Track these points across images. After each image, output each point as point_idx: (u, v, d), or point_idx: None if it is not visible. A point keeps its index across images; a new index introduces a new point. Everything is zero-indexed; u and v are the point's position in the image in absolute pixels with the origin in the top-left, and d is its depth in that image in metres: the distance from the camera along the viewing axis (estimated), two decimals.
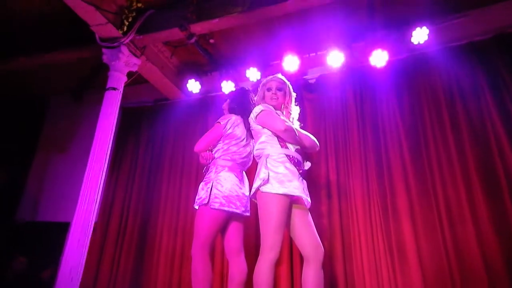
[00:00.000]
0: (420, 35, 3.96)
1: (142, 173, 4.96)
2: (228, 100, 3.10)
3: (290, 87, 2.72)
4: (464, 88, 3.86)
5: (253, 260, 2.27)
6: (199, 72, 4.92)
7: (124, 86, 4.27)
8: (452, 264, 3.32)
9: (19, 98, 5.82)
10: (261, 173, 2.34)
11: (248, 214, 2.80)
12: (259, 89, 2.74)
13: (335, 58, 4.22)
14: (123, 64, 4.18)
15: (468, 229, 3.36)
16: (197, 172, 4.47)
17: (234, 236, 2.76)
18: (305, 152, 2.58)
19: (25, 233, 5.05)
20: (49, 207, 5.21)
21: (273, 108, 2.58)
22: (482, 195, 3.41)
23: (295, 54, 4.33)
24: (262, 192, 2.32)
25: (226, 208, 2.64)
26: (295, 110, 2.73)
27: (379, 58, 4.06)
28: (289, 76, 2.93)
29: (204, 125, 4.70)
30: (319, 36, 4.35)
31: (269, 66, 4.60)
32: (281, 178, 2.31)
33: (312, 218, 2.45)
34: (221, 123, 2.85)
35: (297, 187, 2.32)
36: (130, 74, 4.37)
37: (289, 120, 2.61)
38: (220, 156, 2.82)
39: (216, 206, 2.62)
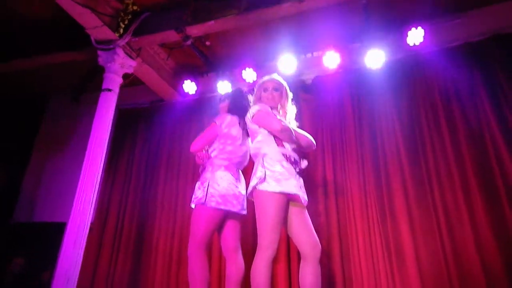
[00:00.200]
0: (415, 36, 3.98)
1: (138, 173, 4.95)
2: (225, 100, 3.09)
3: (287, 87, 2.72)
4: (460, 89, 3.87)
5: (250, 259, 2.27)
6: (195, 73, 4.93)
7: (121, 88, 4.28)
8: (450, 267, 3.31)
9: (17, 98, 5.80)
10: (258, 172, 2.34)
11: (244, 212, 2.80)
12: (255, 90, 2.74)
13: (331, 59, 4.24)
14: (118, 66, 4.19)
15: (466, 231, 3.36)
16: (194, 172, 4.46)
17: (231, 235, 2.76)
18: (302, 151, 2.58)
19: (22, 234, 5.02)
20: (46, 207, 5.19)
21: (269, 108, 2.58)
22: (479, 197, 3.41)
23: (292, 55, 4.34)
24: (259, 190, 2.32)
25: (222, 207, 2.64)
26: (291, 110, 2.74)
27: (375, 59, 4.08)
28: (285, 77, 2.93)
29: (200, 125, 4.67)
30: (316, 37, 4.37)
31: (265, 67, 4.59)
32: (278, 176, 2.31)
33: (310, 216, 2.46)
34: (217, 123, 2.86)
35: (294, 185, 2.33)
36: (126, 76, 4.37)
37: (286, 120, 2.62)
38: (216, 155, 2.82)
39: (213, 205, 2.63)
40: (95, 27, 3.97)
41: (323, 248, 2.41)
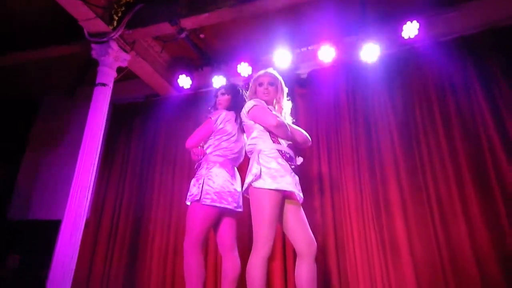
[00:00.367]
0: (410, 29, 3.97)
1: (134, 169, 4.93)
2: (225, 94, 3.02)
3: (282, 82, 2.70)
4: (455, 82, 3.88)
5: (246, 256, 2.27)
6: (190, 67, 4.88)
7: (115, 82, 4.23)
8: (444, 259, 3.35)
9: (9, 94, 5.72)
10: (253, 169, 2.32)
11: (240, 210, 2.79)
12: (250, 84, 2.72)
13: (326, 53, 4.22)
14: (112, 60, 4.13)
15: (459, 224, 3.39)
16: (190, 167, 4.45)
17: (227, 232, 2.75)
18: (297, 147, 2.57)
19: (17, 232, 4.99)
20: (41, 205, 5.16)
21: (265, 103, 2.56)
22: (473, 190, 3.44)
23: (287, 49, 4.31)
24: (254, 187, 2.30)
25: (217, 204, 2.62)
26: (287, 105, 2.71)
27: (370, 52, 4.06)
28: (280, 71, 2.90)
29: (195, 120, 4.64)
30: (311, 30, 4.33)
31: (260, 61, 4.57)
32: (273, 173, 2.30)
33: (305, 213, 2.45)
34: (212, 118, 2.84)
35: (289, 183, 2.32)
36: (120, 70, 4.32)
37: (281, 115, 2.60)
38: (212, 152, 2.80)
39: (208, 202, 2.61)
40: (88, 19, 3.91)
41: (318, 244, 2.41)
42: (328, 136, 4.18)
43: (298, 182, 2.45)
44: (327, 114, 4.27)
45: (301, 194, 2.42)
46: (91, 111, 3.93)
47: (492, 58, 3.80)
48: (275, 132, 2.44)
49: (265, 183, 2.27)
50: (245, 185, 2.38)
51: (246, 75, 4.47)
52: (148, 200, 4.68)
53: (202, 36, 4.50)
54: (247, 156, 2.65)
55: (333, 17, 4.16)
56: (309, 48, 4.44)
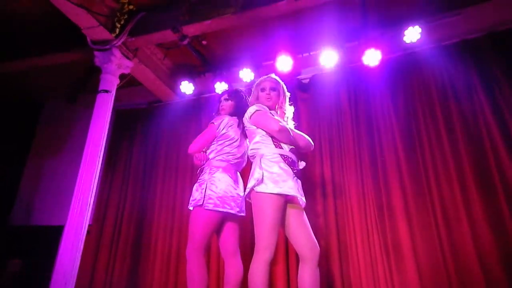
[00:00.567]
0: (412, 34, 3.99)
1: (136, 175, 4.94)
2: (229, 100, 3.02)
3: (284, 87, 2.71)
4: (457, 86, 3.88)
5: (248, 260, 2.26)
6: (192, 73, 4.90)
7: (118, 89, 4.26)
8: (448, 263, 3.33)
9: (12, 100, 5.77)
10: (255, 173, 2.32)
11: (243, 214, 2.79)
12: (253, 90, 2.73)
13: (328, 58, 4.23)
14: (115, 67, 4.17)
15: (463, 227, 3.37)
16: (192, 173, 4.46)
17: (229, 237, 2.75)
18: (299, 152, 2.57)
19: (19, 237, 5.00)
20: (44, 210, 5.18)
21: (267, 108, 2.57)
22: (476, 193, 3.43)
23: (289, 54, 4.33)
24: (256, 192, 2.30)
25: (220, 209, 2.62)
26: (289, 110, 2.72)
27: (372, 57, 4.07)
28: (282, 76, 2.92)
29: (198, 126, 4.69)
30: (312, 36, 4.36)
31: (262, 66, 4.59)
32: (276, 178, 2.30)
33: (308, 218, 2.44)
34: (215, 123, 2.84)
35: (291, 187, 2.31)
36: (122, 77, 4.35)
37: (284, 120, 2.60)
38: (214, 157, 2.80)
39: (211, 207, 2.61)
40: (91, 27, 3.95)
41: (321, 249, 2.41)
42: (330, 140, 4.18)
43: (301, 186, 2.44)
44: (329, 119, 4.27)
45: (304, 199, 2.42)
46: (94, 118, 3.95)
47: (493, 61, 3.81)
48: (278, 137, 2.44)
49: (267, 187, 2.27)
50: (247, 190, 2.38)
51: (248, 81, 4.49)
52: (150, 205, 4.68)
53: (204, 42, 4.53)
54: (249, 160, 2.66)
55: (334, 22, 4.18)
56: (311, 53, 4.45)
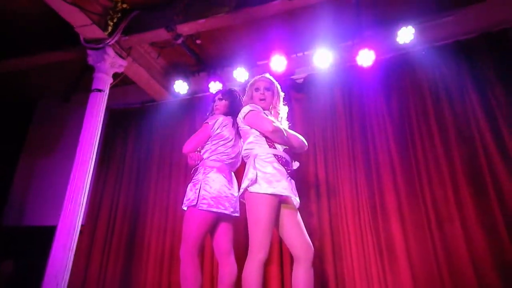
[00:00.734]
0: (405, 34, 4.01)
1: (130, 174, 4.91)
2: (223, 100, 3.02)
3: (278, 87, 2.71)
4: (450, 86, 3.91)
5: (243, 261, 2.25)
6: (186, 72, 4.89)
7: (111, 88, 4.24)
8: (440, 263, 3.35)
9: (4, 99, 5.71)
10: (249, 173, 2.32)
11: (237, 214, 2.78)
12: (247, 89, 2.72)
13: (322, 58, 4.24)
14: (108, 66, 4.14)
15: (455, 227, 3.40)
16: (186, 172, 4.44)
17: (223, 237, 2.74)
18: (293, 152, 2.57)
19: (11, 238, 4.95)
20: (36, 210, 5.13)
21: (261, 108, 2.56)
22: (469, 194, 3.46)
23: (283, 54, 4.33)
24: (250, 192, 2.30)
25: (214, 209, 2.61)
26: (283, 110, 2.72)
27: (366, 57, 4.08)
28: (277, 76, 2.91)
29: (192, 125, 4.67)
30: (306, 35, 4.37)
31: (256, 66, 4.59)
32: (269, 178, 2.30)
33: (302, 218, 2.45)
34: (209, 123, 2.83)
35: (285, 187, 2.31)
36: (116, 76, 4.32)
37: (278, 120, 2.60)
38: (208, 157, 2.79)
39: (205, 207, 2.60)
40: (84, 26, 3.92)
41: (315, 249, 2.41)
42: (324, 140, 4.19)
43: (295, 186, 2.44)
44: (323, 119, 4.28)
45: (298, 199, 2.42)
46: (87, 117, 3.92)
47: (486, 63, 3.84)
48: (271, 137, 2.44)
49: (261, 187, 2.27)
50: (241, 190, 2.37)
51: (243, 80, 4.47)
52: (144, 205, 4.66)
53: (198, 42, 4.51)
54: (243, 161, 2.65)
55: (328, 22, 4.19)
56: (305, 53, 4.47)
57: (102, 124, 4.06)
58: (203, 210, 2.60)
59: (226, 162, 2.80)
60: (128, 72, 4.57)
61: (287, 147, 2.50)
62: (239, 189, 2.54)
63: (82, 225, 3.68)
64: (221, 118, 2.85)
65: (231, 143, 2.82)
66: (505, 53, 3.78)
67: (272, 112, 2.65)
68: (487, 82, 3.76)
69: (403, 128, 3.93)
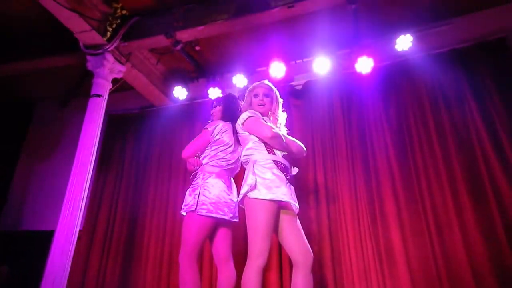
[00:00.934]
0: (404, 42, 4.05)
1: (128, 179, 4.91)
2: (217, 106, 3.06)
3: (277, 93, 2.72)
4: (448, 94, 3.93)
5: (241, 267, 2.25)
6: (185, 78, 4.91)
7: (110, 93, 4.25)
8: (440, 269, 3.36)
9: (3, 103, 5.71)
10: (249, 179, 2.32)
11: (236, 220, 2.78)
12: (246, 96, 2.73)
13: (321, 65, 4.27)
14: (107, 71, 4.15)
15: (455, 234, 3.41)
16: (185, 177, 4.44)
17: (222, 243, 2.73)
18: (292, 158, 2.58)
19: (8, 242, 4.92)
20: (34, 215, 5.11)
21: (260, 115, 2.57)
22: (468, 200, 3.47)
23: (282, 61, 4.35)
24: (249, 198, 2.30)
25: (213, 215, 2.61)
26: (282, 116, 2.73)
27: (364, 65, 4.11)
28: (275, 83, 2.93)
29: (191, 131, 4.68)
30: (305, 42, 4.40)
31: (255, 72, 4.62)
32: (269, 184, 2.30)
33: (301, 223, 2.45)
34: (209, 129, 2.84)
35: (284, 193, 2.31)
36: (115, 81, 4.33)
37: (276, 126, 2.61)
38: (208, 162, 2.80)
39: (204, 212, 2.60)
40: (84, 32, 3.94)
41: (314, 254, 2.40)
42: (323, 146, 4.20)
43: (294, 192, 2.45)
44: (322, 125, 4.30)
45: (297, 205, 2.42)
46: (86, 122, 3.93)
47: (484, 70, 3.87)
48: (270, 143, 2.44)
49: (260, 193, 2.27)
50: (241, 196, 2.37)
51: (242, 87, 4.49)
52: (142, 210, 4.65)
53: (197, 48, 4.54)
54: (243, 167, 2.65)
55: (327, 29, 4.22)
56: (304, 60, 4.49)
57: (101, 129, 4.06)
58: (202, 215, 2.60)
59: (225, 168, 2.81)
60: (127, 77, 4.58)
61: (286, 153, 2.51)
62: (238, 195, 2.54)
63: (80, 230, 3.66)
64: (220, 124, 2.86)
65: (231, 148, 2.83)
66: (502, 61, 3.83)
67: (271, 119, 2.66)
68: (485, 89, 3.79)
69: (402, 135, 3.95)
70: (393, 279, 3.45)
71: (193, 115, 4.87)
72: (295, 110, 4.43)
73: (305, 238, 2.40)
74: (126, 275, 4.37)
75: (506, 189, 3.38)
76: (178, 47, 4.16)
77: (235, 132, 2.74)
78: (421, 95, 4.03)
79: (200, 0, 4.03)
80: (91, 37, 4.00)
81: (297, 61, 4.52)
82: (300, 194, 2.75)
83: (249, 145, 2.49)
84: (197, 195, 2.64)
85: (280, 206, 2.36)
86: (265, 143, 2.46)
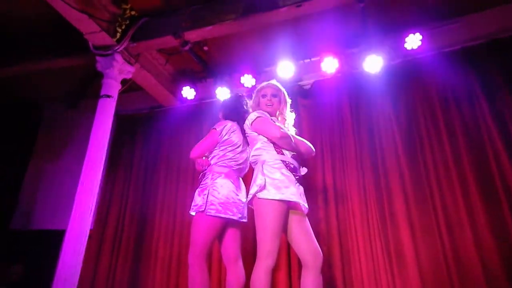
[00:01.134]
0: (413, 40, 4.01)
1: (137, 179, 4.94)
2: (221, 107, 3.08)
3: (285, 93, 2.72)
4: (458, 93, 3.89)
5: (250, 267, 2.26)
6: (193, 79, 4.92)
7: (119, 93, 4.27)
8: (450, 269, 3.32)
9: (14, 104, 5.78)
10: (258, 179, 2.33)
11: (245, 220, 2.78)
12: (253, 96, 2.74)
13: (329, 64, 4.25)
14: (117, 72, 4.18)
15: (466, 234, 3.37)
16: (193, 178, 4.46)
17: (231, 243, 2.74)
18: (301, 158, 2.57)
19: (20, 241, 4.99)
20: (45, 214, 5.16)
21: (268, 115, 2.57)
22: (479, 199, 3.43)
23: (290, 60, 4.34)
24: (258, 198, 2.30)
25: (222, 215, 2.62)
26: (290, 116, 2.73)
27: (373, 64, 4.07)
28: (283, 82, 2.93)
29: (199, 131, 4.69)
30: (314, 42, 4.38)
31: (263, 72, 4.61)
32: (278, 184, 2.30)
33: (310, 224, 2.44)
34: (217, 129, 2.84)
35: (294, 193, 2.31)
36: (124, 82, 4.36)
37: (285, 127, 2.61)
38: (216, 162, 2.81)
39: (213, 213, 2.60)
40: (93, 33, 3.97)
41: (323, 255, 2.39)
42: (332, 146, 4.18)
43: (303, 192, 2.44)
44: (330, 125, 4.28)
45: (306, 205, 2.42)
46: (96, 122, 3.96)
47: (494, 69, 3.82)
48: (279, 143, 2.45)
49: (270, 193, 2.27)
50: (250, 196, 2.38)
51: (250, 86, 4.49)
52: (151, 210, 4.68)
53: (205, 48, 4.55)
54: (251, 166, 2.66)
55: (336, 28, 4.20)
56: (312, 59, 4.47)
57: (111, 129, 4.09)
58: (211, 215, 2.61)
59: (234, 168, 2.81)
60: (136, 78, 4.61)
61: (295, 153, 2.51)
62: (247, 195, 2.54)
63: (90, 229, 3.70)
64: (229, 124, 2.86)
65: (239, 148, 2.83)
66: None
67: (279, 119, 2.67)
68: (496, 88, 3.74)
69: (411, 134, 3.92)
70: (403, 279, 3.43)
71: (201, 115, 4.88)
72: (303, 110, 4.42)
73: (315, 238, 2.39)
74: (135, 275, 4.40)
75: None
76: (187, 48, 4.17)
77: (243, 132, 2.75)
78: (431, 94, 3.99)
79: (207, 0, 4.04)
80: (100, 38, 4.03)
81: (305, 61, 4.51)
82: (309, 194, 2.75)
83: (258, 145, 2.49)
84: (206, 195, 2.65)
85: (289, 207, 2.36)
86: (273, 143, 2.46)
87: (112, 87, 4.15)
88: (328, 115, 4.32)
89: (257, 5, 3.83)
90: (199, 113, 4.94)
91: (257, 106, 2.66)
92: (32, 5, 4.03)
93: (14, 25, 4.42)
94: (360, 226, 3.72)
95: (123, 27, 4.16)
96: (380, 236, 3.62)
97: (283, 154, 2.44)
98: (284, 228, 2.35)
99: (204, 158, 2.87)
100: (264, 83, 2.73)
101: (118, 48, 4.09)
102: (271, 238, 2.21)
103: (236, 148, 2.82)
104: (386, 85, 4.15)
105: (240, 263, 2.72)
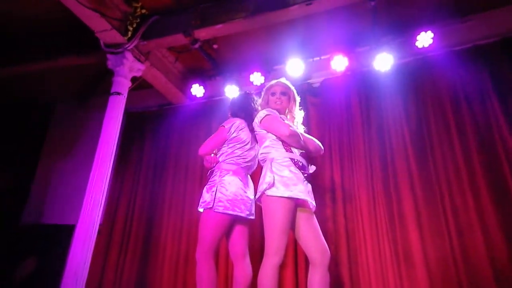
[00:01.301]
0: (424, 39, 3.97)
1: (146, 176, 4.98)
2: (229, 113, 3.08)
3: (294, 91, 2.72)
4: (470, 92, 3.84)
5: (257, 264, 2.27)
6: (203, 77, 4.95)
7: (129, 91, 4.30)
8: (460, 271, 3.28)
9: (25, 101, 5.87)
10: (267, 177, 2.33)
11: (252, 217, 2.79)
12: (263, 94, 2.74)
13: (339, 63, 4.23)
14: (127, 70, 4.21)
15: (476, 235, 3.32)
16: (202, 175, 4.49)
17: (239, 240, 2.75)
18: (309, 156, 2.57)
19: (30, 236, 5.06)
20: (55, 209, 5.22)
21: (277, 113, 2.58)
22: (490, 201, 3.38)
23: (299, 59, 4.33)
24: (267, 195, 2.31)
25: (230, 212, 2.63)
26: (299, 115, 2.73)
27: (383, 62, 4.05)
28: (293, 81, 2.93)
29: (208, 129, 4.71)
30: (323, 40, 4.36)
31: (273, 70, 4.61)
32: (286, 181, 2.31)
33: (318, 222, 2.44)
34: (226, 126, 2.85)
35: (302, 191, 2.32)
36: (134, 79, 4.40)
37: (293, 125, 2.61)
38: (225, 159, 2.82)
39: (221, 209, 2.62)
40: (104, 31, 4.01)
41: (331, 254, 2.39)
42: (340, 145, 4.17)
43: (311, 190, 2.45)
44: (339, 123, 4.26)
45: (314, 203, 2.42)
46: (106, 119, 4.00)
47: (507, 68, 3.76)
48: (288, 141, 2.45)
49: (278, 191, 2.28)
50: (258, 193, 2.39)
51: (259, 84, 4.50)
52: (160, 206, 4.72)
53: (215, 46, 4.55)
54: (259, 164, 2.67)
55: (345, 27, 4.18)
56: (322, 57, 4.45)
57: (120, 127, 4.13)
58: (219, 212, 2.62)
59: (242, 165, 2.82)
60: (146, 76, 4.64)
61: (303, 151, 2.51)
62: (255, 192, 2.55)
63: (99, 225, 3.74)
64: (237, 122, 2.87)
65: (248, 146, 2.84)
66: None
67: (288, 117, 2.67)
68: (508, 87, 3.68)
69: (421, 134, 3.88)
70: (411, 281, 3.40)
71: (211, 113, 4.90)
72: (313, 108, 4.41)
73: (322, 236, 2.39)
74: (143, 271, 4.44)
75: None
76: (196, 46, 4.19)
77: (252, 129, 2.75)
78: (442, 93, 3.95)
79: None
80: (111, 36, 4.07)
81: (315, 59, 4.49)
82: (317, 192, 2.75)
83: (267, 143, 2.50)
84: (214, 192, 2.66)
85: (297, 204, 2.36)
86: (282, 141, 2.47)
87: (122, 84, 4.18)
88: (337, 113, 4.31)
89: (267, 4, 3.83)
90: (208, 110, 4.96)
91: (266, 104, 2.67)
92: (44, 4, 4.07)
93: (23, 25, 4.47)
94: (368, 226, 3.71)
95: (134, 25, 4.19)
96: (388, 236, 3.60)
97: (291, 152, 2.44)
98: (292, 226, 2.36)
99: (212, 155, 2.88)
100: (274, 81, 2.73)
101: (128, 46, 4.13)
102: (279, 235, 2.22)
103: (245, 145, 2.83)
104: (396, 84, 4.12)
105: (248, 260, 2.73)
